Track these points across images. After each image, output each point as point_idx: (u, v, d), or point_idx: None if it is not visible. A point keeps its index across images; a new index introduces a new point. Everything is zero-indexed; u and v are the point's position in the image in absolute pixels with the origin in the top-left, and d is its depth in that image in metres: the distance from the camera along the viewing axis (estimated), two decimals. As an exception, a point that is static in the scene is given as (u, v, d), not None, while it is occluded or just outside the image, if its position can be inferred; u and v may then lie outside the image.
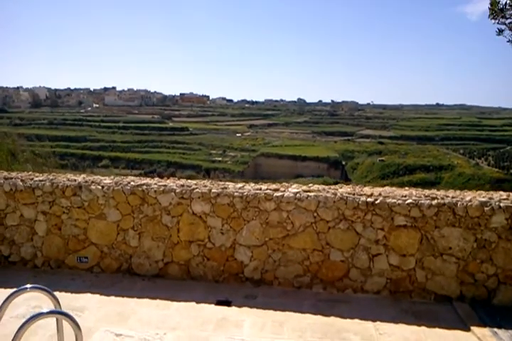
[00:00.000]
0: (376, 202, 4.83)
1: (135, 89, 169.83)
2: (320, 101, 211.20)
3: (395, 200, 4.81)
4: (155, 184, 5.36)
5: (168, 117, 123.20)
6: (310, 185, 5.32)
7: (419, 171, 77.85)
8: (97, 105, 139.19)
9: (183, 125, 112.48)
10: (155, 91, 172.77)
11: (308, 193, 5.00)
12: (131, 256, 5.47)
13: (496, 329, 4.52)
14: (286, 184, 5.39)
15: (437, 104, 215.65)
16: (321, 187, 5.19)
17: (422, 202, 4.79)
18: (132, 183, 5.36)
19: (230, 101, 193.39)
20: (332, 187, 5.20)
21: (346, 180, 71.49)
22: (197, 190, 5.19)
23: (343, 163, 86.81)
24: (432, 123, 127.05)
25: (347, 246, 5.00)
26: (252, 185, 5.35)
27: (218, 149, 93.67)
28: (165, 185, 5.30)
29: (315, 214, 4.98)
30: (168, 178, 5.63)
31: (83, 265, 5.55)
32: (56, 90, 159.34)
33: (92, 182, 5.48)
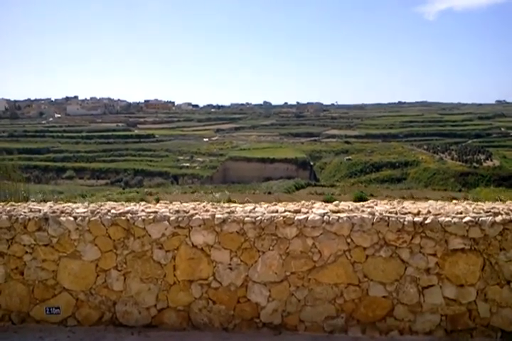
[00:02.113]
0: (426, 221, 3.85)
1: (98, 97, 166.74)
2: (285, 103, 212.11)
3: (449, 218, 3.85)
4: (142, 211, 4.22)
5: (134, 125, 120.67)
6: (336, 202, 4.30)
7: (386, 168, 78.87)
8: (59, 115, 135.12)
9: (148, 132, 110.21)
10: (118, 99, 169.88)
11: (338, 214, 3.98)
12: (115, 302, 4.31)
13: None
14: (307, 202, 4.35)
15: (399, 102, 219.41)
16: (352, 205, 4.19)
17: (483, 219, 3.84)
18: (113, 211, 4.22)
19: (196, 106, 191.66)
20: (365, 204, 4.20)
21: (315, 180, 71.45)
22: (197, 216, 4.09)
23: (311, 163, 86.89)
24: (396, 120, 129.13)
25: (390, 277, 3.99)
26: (265, 206, 4.29)
27: (186, 155, 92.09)
28: (155, 212, 4.18)
29: (348, 240, 3.96)
30: (157, 202, 4.52)
31: (54, 317, 4.36)
32: (16, 101, 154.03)
33: (62, 212, 4.30)
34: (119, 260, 4.22)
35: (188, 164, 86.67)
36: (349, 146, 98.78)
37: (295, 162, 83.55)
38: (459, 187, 54.57)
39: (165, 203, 4.47)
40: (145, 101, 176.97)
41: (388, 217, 3.89)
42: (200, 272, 4.15)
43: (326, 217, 3.95)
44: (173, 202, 4.49)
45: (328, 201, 14.62)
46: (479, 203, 4.20)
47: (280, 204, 4.33)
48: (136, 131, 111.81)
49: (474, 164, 76.14)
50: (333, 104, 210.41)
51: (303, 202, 4.35)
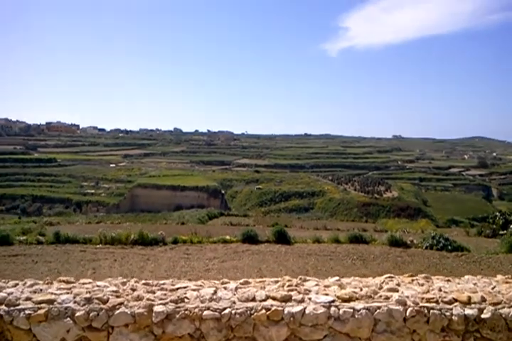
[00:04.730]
0: (483, 315, 2.57)
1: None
2: (196, 130, 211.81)
3: (514, 310, 2.59)
4: (27, 299, 2.50)
5: (33, 148, 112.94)
6: (335, 279, 2.89)
7: (294, 197, 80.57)
8: None
9: (50, 156, 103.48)
10: (17, 120, 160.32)
11: (351, 304, 2.57)
12: None
13: None
14: (295, 280, 2.87)
15: (305, 134, 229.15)
16: (363, 284, 2.79)
17: (562, 310, 2.63)
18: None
19: (102, 130, 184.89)
20: (383, 284, 2.82)
21: (226, 209, 70.96)
22: (122, 308, 2.46)
23: (222, 191, 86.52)
24: (303, 152, 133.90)
25: None
26: (232, 287, 2.74)
27: (90, 181, 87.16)
28: (50, 301, 2.48)
29: (368, 346, 2.56)
30: (51, 281, 2.79)
31: None
32: None
33: None
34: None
35: (92, 191, 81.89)
36: (259, 175, 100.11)
37: (206, 190, 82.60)
38: (362, 217, 56.39)
39: (67, 282, 2.74)
40: (47, 123, 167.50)
41: (428, 309, 2.54)
42: None
43: (333, 308, 2.50)
44: (81, 281, 2.79)
45: (249, 236, 13.09)
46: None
47: (255, 281, 2.81)
48: (36, 155, 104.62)
49: (375, 195, 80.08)
50: (243, 134, 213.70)
51: (287, 277, 2.88)
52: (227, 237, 14.08)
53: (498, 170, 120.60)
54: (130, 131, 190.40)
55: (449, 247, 12.96)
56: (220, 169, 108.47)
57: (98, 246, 12.14)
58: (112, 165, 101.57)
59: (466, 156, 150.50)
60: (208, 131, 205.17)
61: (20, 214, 55.88)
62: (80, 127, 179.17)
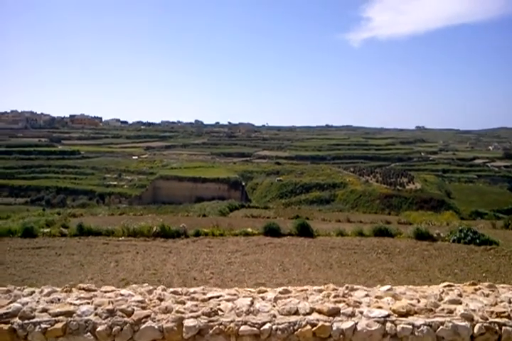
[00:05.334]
0: None
1: (19, 110, 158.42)
2: (217, 122, 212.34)
3: None
4: (44, 311, 2.23)
5: (58, 140, 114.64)
6: (387, 288, 2.55)
7: (315, 189, 79.99)
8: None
9: (73, 148, 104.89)
10: (42, 113, 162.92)
11: (409, 319, 2.23)
12: None
13: None
14: (340, 288, 2.54)
15: (327, 126, 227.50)
16: (420, 295, 2.44)
17: None
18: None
19: (125, 122, 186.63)
20: (443, 294, 2.46)
21: (247, 200, 70.94)
22: (148, 322, 2.17)
23: (243, 183, 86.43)
24: (324, 143, 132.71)
25: None
26: (271, 297, 2.42)
27: (113, 173, 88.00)
28: (70, 313, 2.20)
29: (428, 368, 2.22)
30: (70, 288, 2.51)
31: None
32: None
33: None
34: None
35: (115, 182, 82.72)
36: (280, 167, 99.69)
37: (227, 182, 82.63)
38: (384, 209, 55.57)
39: (87, 290, 2.46)
40: (70, 115, 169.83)
41: (499, 325, 2.19)
42: None
43: (389, 324, 2.17)
44: (103, 288, 2.51)
45: (272, 229, 12.75)
46: None
47: (295, 290, 2.48)
48: (60, 147, 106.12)
49: (398, 187, 78.96)
50: (263, 126, 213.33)
51: (331, 286, 2.54)
52: (249, 230, 13.82)
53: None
54: (152, 123, 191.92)
55: (477, 241, 12.48)
56: (240, 161, 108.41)
57: (121, 238, 12.03)
58: (134, 157, 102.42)
59: (490, 147, 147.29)
60: (229, 123, 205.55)
61: (44, 206, 56.77)
62: (103, 120, 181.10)
